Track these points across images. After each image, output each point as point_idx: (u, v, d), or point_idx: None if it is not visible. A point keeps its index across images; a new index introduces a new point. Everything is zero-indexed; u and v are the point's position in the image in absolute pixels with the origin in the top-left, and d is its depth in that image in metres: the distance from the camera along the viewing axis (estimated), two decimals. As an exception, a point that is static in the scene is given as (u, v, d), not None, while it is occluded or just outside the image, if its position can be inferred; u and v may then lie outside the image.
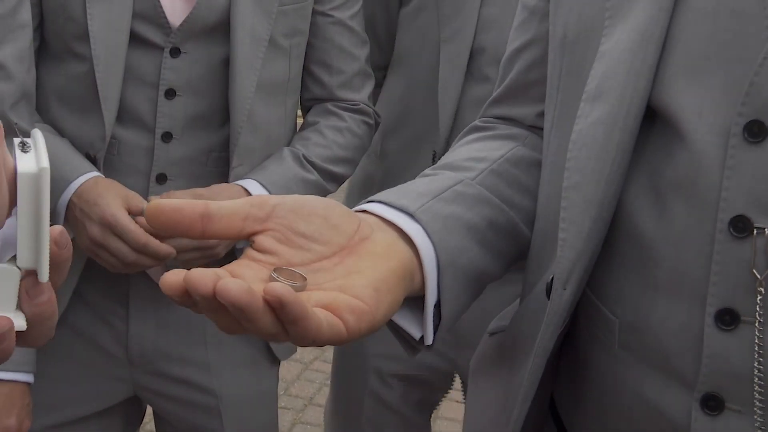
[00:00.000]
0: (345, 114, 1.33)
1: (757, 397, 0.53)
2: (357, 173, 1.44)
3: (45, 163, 0.41)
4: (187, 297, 0.47)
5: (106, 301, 1.24)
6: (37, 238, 0.42)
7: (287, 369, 3.16)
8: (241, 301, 0.44)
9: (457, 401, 2.71)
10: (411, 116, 1.36)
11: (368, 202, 0.62)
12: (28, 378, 1.13)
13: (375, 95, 1.43)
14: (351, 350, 1.45)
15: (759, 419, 0.53)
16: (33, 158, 0.42)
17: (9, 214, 0.44)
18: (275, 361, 1.35)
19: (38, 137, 0.44)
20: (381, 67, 1.45)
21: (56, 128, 1.19)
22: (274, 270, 0.51)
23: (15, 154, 0.43)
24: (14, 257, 0.43)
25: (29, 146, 0.43)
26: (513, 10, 1.22)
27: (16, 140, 0.44)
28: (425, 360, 1.37)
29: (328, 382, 3.18)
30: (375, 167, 1.43)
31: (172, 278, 0.47)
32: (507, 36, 1.24)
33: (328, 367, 3.34)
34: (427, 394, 1.46)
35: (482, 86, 1.28)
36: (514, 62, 0.79)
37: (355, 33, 1.33)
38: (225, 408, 1.28)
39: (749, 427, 0.54)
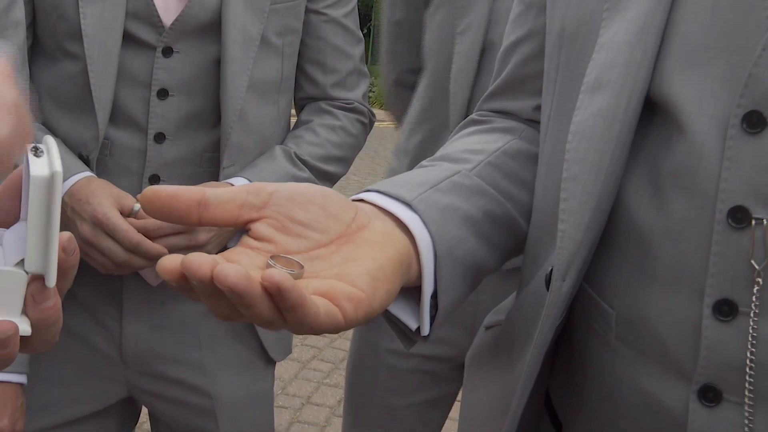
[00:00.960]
0: (339, 113, 1.32)
1: (748, 387, 0.53)
2: (386, 171, 1.46)
3: (58, 167, 0.41)
4: (184, 282, 0.47)
5: (99, 302, 1.24)
6: (46, 242, 0.42)
7: (285, 368, 3.16)
8: (239, 286, 0.44)
9: (458, 400, 2.71)
10: (430, 112, 1.38)
11: (366, 191, 0.62)
12: (21, 379, 1.12)
13: (409, 99, 1.44)
14: (365, 345, 1.45)
15: (747, 410, 0.53)
16: (46, 162, 0.42)
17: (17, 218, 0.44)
18: (270, 362, 1.34)
19: (50, 142, 0.44)
20: (415, 71, 1.46)
21: (48, 128, 1.18)
22: (271, 257, 0.51)
23: (27, 158, 0.43)
24: (21, 261, 0.43)
25: (42, 151, 0.44)
26: None
27: (29, 144, 0.43)
28: (438, 351, 1.37)
29: (326, 381, 3.19)
30: (400, 163, 1.44)
31: (170, 262, 0.47)
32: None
33: (325, 366, 3.35)
34: (440, 389, 1.45)
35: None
36: (510, 56, 0.79)
37: (350, 31, 1.32)
38: (220, 409, 1.28)
39: (743, 419, 0.54)
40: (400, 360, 1.40)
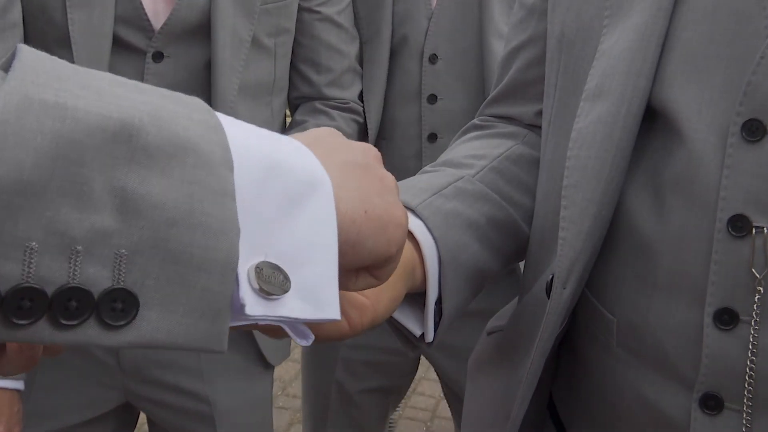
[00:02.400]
0: (334, 112, 1.30)
1: (747, 395, 0.53)
2: None
3: None
4: None
5: None
6: None
7: (285, 369, 3.16)
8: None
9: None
10: None
11: None
12: (18, 385, 1.11)
13: None
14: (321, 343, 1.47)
15: (746, 417, 0.53)
16: None
17: None
18: (268, 367, 1.33)
19: None
20: None
21: None
22: None
23: None
24: None
25: None
26: (423, 2, 1.27)
27: None
28: (391, 345, 1.37)
29: (326, 381, 3.18)
30: None
31: None
32: (422, 27, 1.29)
33: (325, 367, 3.33)
34: (392, 381, 1.47)
35: (406, 79, 1.32)
36: (512, 61, 0.79)
37: (344, 29, 1.30)
38: (218, 415, 1.26)
39: (742, 426, 0.54)
40: (353, 352, 1.42)
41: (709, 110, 0.54)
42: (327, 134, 0.45)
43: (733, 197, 0.53)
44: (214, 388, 1.26)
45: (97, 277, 0.30)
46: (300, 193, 0.38)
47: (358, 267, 0.43)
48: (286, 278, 0.36)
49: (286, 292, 0.36)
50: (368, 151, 0.46)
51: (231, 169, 0.34)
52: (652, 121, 0.58)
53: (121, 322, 0.31)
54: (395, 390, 1.51)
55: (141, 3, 1.11)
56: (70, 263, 0.30)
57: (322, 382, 1.48)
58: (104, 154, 0.30)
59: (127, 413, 1.33)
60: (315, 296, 0.38)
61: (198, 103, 0.36)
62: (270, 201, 0.36)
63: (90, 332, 0.31)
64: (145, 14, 1.12)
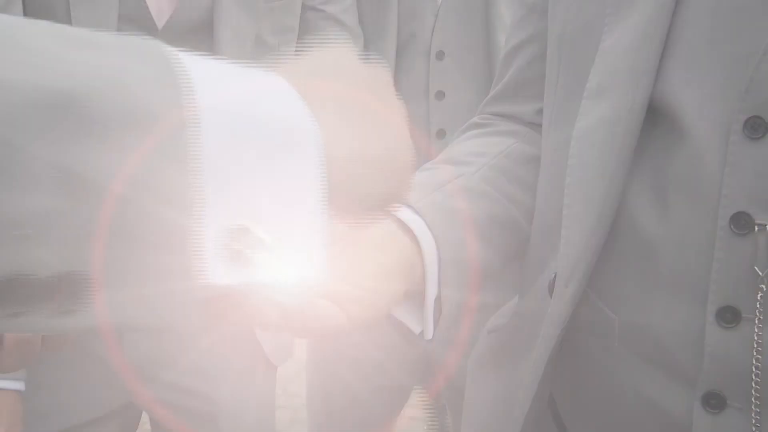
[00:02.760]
0: None
1: (754, 394, 0.53)
2: None
3: None
4: None
5: None
6: None
7: (285, 367, 3.15)
8: None
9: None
10: None
11: None
12: (18, 385, 1.11)
13: None
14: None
15: (755, 416, 0.53)
16: None
17: None
18: (271, 367, 1.33)
19: None
20: None
21: None
22: None
23: None
24: None
25: None
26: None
27: None
28: (399, 343, 1.37)
29: (326, 380, 3.17)
30: None
31: None
32: (429, 24, 1.28)
33: (326, 366, 3.33)
34: (400, 380, 1.47)
35: (413, 76, 1.32)
36: (512, 59, 0.79)
37: (348, 28, 1.30)
38: (221, 414, 1.27)
39: (750, 425, 0.54)
40: (360, 351, 1.40)
41: (711, 108, 0.54)
42: (327, 60, 0.40)
43: (735, 195, 0.53)
44: (217, 387, 1.26)
45: (47, 262, 0.28)
46: (280, 146, 0.33)
47: (353, 211, 0.39)
48: (265, 241, 0.33)
49: (265, 256, 0.33)
50: (377, 79, 0.41)
51: (196, 130, 0.30)
52: (654, 120, 0.58)
53: (75, 306, 0.29)
54: (403, 389, 1.51)
55: (145, 1, 1.11)
56: (15, 249, 0.27)
57: (327, 381, 1.47)
58: (43, 129, 0.27)
59: (129, 413, 1.33)
60: (298, 258, 0.34)
61: (158, 53, 0.32)
62: (244, 159, 0.32)
63: (42, 318, 0.29)
64: (149, 13, 1.12)
